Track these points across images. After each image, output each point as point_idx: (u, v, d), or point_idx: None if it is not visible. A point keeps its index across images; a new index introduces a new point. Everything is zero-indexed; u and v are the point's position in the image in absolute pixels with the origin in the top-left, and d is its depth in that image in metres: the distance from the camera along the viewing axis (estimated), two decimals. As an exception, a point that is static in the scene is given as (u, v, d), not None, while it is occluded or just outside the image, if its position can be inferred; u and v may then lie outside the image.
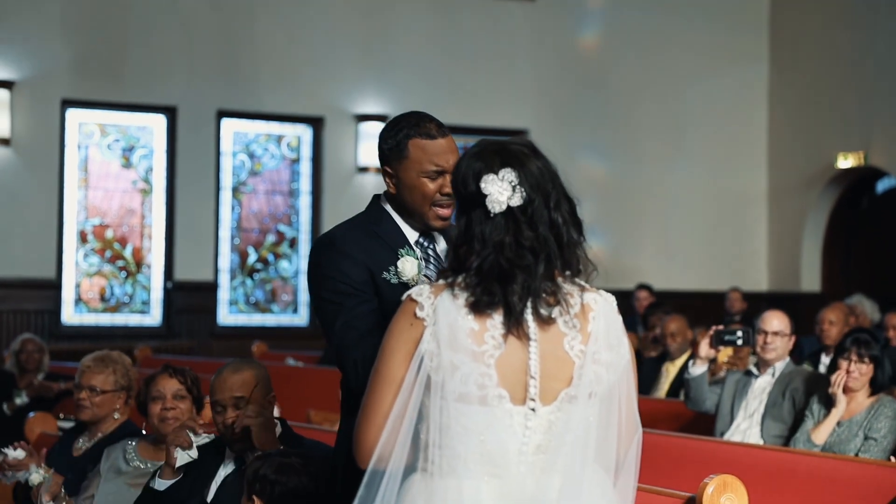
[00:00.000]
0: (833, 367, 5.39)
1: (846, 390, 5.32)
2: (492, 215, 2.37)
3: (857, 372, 5.30)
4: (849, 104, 12.75)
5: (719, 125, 13.67)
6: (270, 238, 12.28)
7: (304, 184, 12.38)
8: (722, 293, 12.26)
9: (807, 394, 5.63)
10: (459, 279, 2.38)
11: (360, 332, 2.95)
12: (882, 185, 13.48)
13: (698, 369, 5.99)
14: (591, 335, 2.39)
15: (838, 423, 5.33)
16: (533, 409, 2.36)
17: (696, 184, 13.58)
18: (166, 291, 11.86)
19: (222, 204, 12.05)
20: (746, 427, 5.76)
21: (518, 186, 2.38)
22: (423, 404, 2.35)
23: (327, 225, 12.12)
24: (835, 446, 5.25)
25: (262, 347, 10.42)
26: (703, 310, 11.55)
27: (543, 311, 2.35)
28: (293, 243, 12.36)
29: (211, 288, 11.93)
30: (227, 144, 12.12)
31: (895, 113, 12.25)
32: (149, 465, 4.44)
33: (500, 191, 2.37)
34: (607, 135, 13.16)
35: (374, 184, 12.29)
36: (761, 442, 5.60)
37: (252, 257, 12.20)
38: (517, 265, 2.35)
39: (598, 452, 2.42)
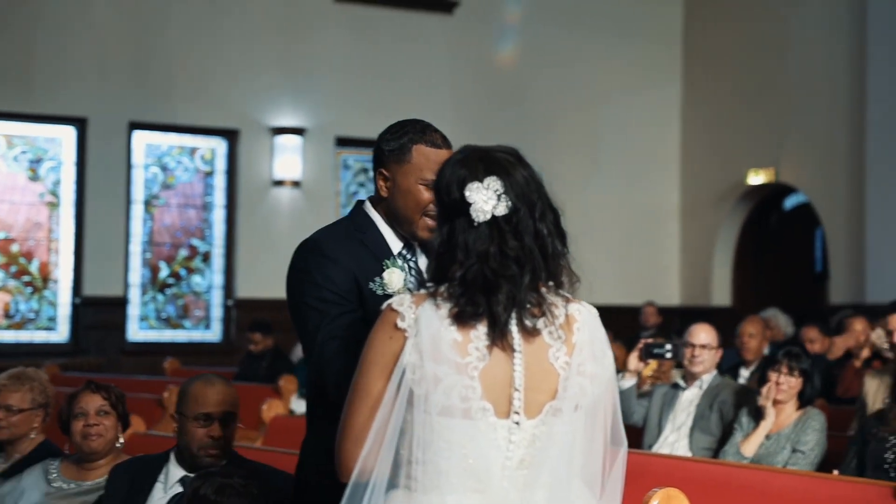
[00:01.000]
0: (763, 380, 5.43)
1: (775, 403, 5.36)
2: (476, 224, 2.32)
3: (787, 384, 5.34)
4: (760, 122, 12.97)
5: (634, 142, 13.81)
6: (183, 252, 12.06)
7: (219, 197, 12.19)
8: (636, 307, 12.36)
9: (734, 406, 5.67)
10: (442, 289, 2.31)
11: (343, 343, 2.87)
12: (790, 202, 13.75)
13: (627, 382, 6.00)
14: (575, 347, 2.34)
15: (767, 436, 5.36)
16: (517, 423, 2.30)
17: (610, 199, 13.68)
18: (74, 307, 11.56)
19: (133, 217, 11.80)
20: (675, 440, 5.78)
21: (503, 195, 2.32)
22: (404, 419, 2.28)
23: (242, 239, 11.95)
24: (763, 459, 5.28)
25: (174, 364, 10.22)
26: (618, 324, 11.62)
27: (528, 323, 2.30)
28: (206, 258, 12.14)
29: (121, 303, 11.66)
30: (138, 157, 11.88)
31: (804, 130, 12.50)
32: (72, 485, 4.29)
33: (485, 200, 2.31)
34: (524, 150, 12.96)
35: (290, 198, 12.16)
36: (690, 454, 5.62)
37: (164, 272, 11.97)
38: (502, 275, 2.29)
39: (583, 466, 2.37)
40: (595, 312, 2.41)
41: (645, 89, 13.88)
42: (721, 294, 13.60)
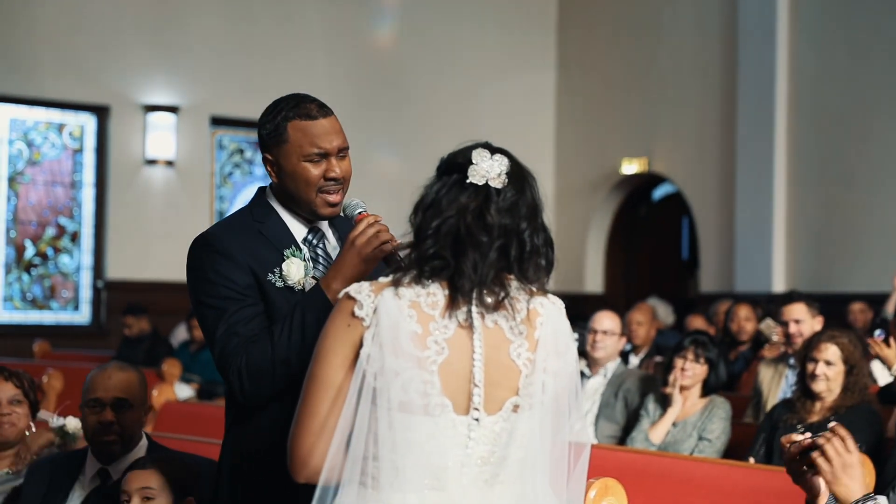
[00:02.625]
0: (669, 367, 5.51)
1: (681, 389, 5.45)
2: (467, 183, 2.28)
3: (692, 371, 5.43)
4: (633, 111, 13.19)
5: (508, 128, 13.85)
6: (50, 231, 11.62)
7: (88, 175, 11.77)
8: (510, 294, 12.42)
9: (639, 394, 5.74)
10: (405, 278, 2.24)
11: (243, 339, 2.77)
12: (659, 192, 14.04)
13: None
14: (538, 342, 2.29)
15: (674, 424, 5.44)
16: (476, 419, 2.24)
17: (486, 185, 13.70)
18: (-67, 287, 11.06)
19: (-3, 194, 11.33)
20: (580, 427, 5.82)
21: (506, 176, 2.30)
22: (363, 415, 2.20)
23: (112, 218, 11.60)
24: (670, 446, 5.36)
25: (44, 347, 9.88)
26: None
27: (489, 300, 2.24)
28: (75, 237, 11.73)
29: (-16, 283, 11.19)
30: (2, 131, 11.38)
31: (676, 120, 12.76)
32: None
33: (488, 168, 2.28)
34: (401, 131, 13.13)
35: (164, 177, 11.85)
36: (595, 442, 5.67)
37: (30, 251, 11.51)
38: (472, 237, 2.24)
39: (547, 463, 2.33)
40: (560, 305, 2.37)
41: (520, 76, 13.96)
42: (593, 281, 13.80)
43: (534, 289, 2.31)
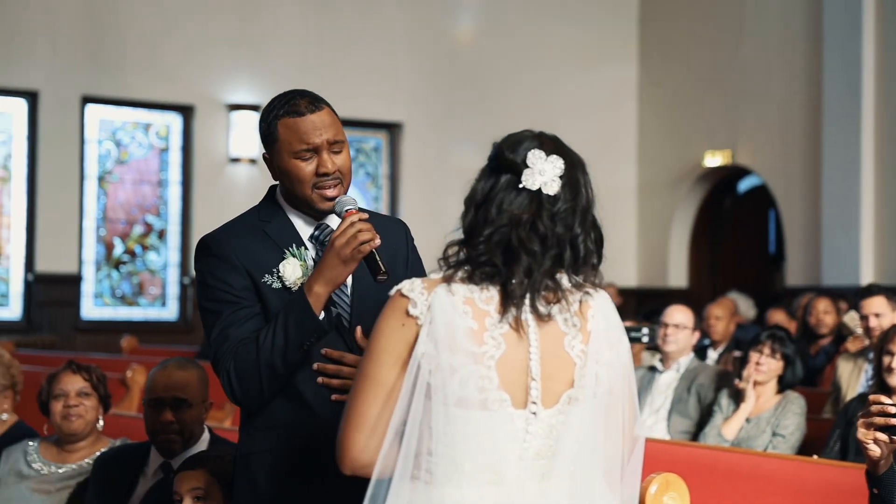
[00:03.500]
0: (744, 361, 5.44)
1: (755, 384, 5.37)
2: (520, 187, 2.25)
3: (767, 366, 5.35)
4: (716, 103, 13.02)
5: (590, 121, 13.80)
6: (138, 229, 11.87)
7: (174, 174, 12.00)
8: (593, 288, 12.35)
9: (712, 389, 5.67)
10: (458, 274, 2.24)
11: (232, 343, 2.76)
12: (744, 184, 13.84)
13: (600, 366, 5.98)
14: (591, 334, 2.28)
15: (747, 420, 5.37)
16: (534, 413, 2.23)
17: (567, 179, 13.65)
18: (27, 284, 11.34)
19: (87, 193, 11.58)
20: (652, 423, 5.78)
21: (560, 179, 2.27)
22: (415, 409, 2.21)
23: (198, 216, 11.80)
24: (743, 442, 5.30)
25: (132, 342, 10.08)
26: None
27: (542, 309, 2.23)
28: (162, 235, 11.96)
29: (75, 280, 11.46)
30: (92, 132, 11.65)
31: (761, 112, 12.57)
32: (52, 467, 4.20)
33: (542, 170, 2.26)
34: (481, 128, 13.10)
35: (247, 175, 12.02)
36: (668, 437, 5.62)
37: (118, 249, 11.77)
38: (525, 247, 2.22)
39: (601, 456, 2.32)
40: (607, 297, 2.36)
41: (602, 69, 13.87)
42: (677, 276, 13.66)
43: (581, 280, 2.30)
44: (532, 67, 13.53)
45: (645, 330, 5.84)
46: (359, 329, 2.84)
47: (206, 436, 3.79)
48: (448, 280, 2.24)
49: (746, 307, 9.93)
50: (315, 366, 2.79)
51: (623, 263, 13.95)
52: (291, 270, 2.82)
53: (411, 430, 2.19)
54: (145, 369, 7.59)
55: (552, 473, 2.26)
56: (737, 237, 13.78)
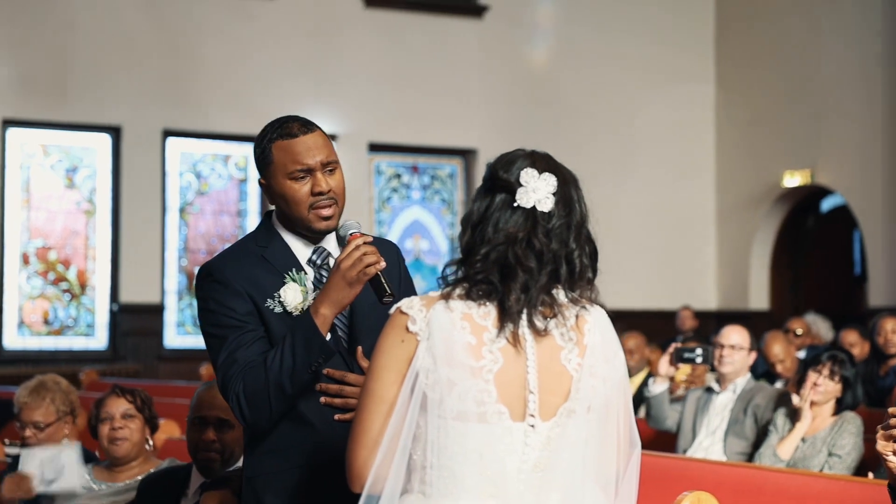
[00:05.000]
0: (802, 380, 5.36)
1: (811, 404, 5.30)
2: (514, 206, 2.30)
3: (824, 387, 5.28)
4: (795, 123, 12.87)
5: (667, 144, 13.74)
6: (218, 259, 12.10)
7: (252, 204, 12.24)
8: (672, 312, 12.28)
9: (769, 410, 5.60)
10: (456, 291, 2.29)
11: (241, 365, 2.79)
12: (827, 204, 13.62)
13: (659, 387, 5.96)
14: (587, 348, 2.32)
15: (803, 439, 5.29)
16: (532, 426, 2.27)
17: (644, 202, 13.61)
18: (112, 314, 11.65)
19: (168, 225, 11.88)
20: (709, 444, 5.73)
21: (553, 196, 2.31)
22: (416, 424, 2.25)
23: (276, 245, 11.98)
24: (799, 463, 5.22)
25: (211, 369, 10.25)
26: (654, 328, 11.56)
27: (539, 324, 2.27)
28: (241, 264, 12.18)
29: (157, 310, 11.73)
30: (173, 164, 11.95)
31: (841, 131, 12.38)
32: (103, 486, 4.32)
33: (536, 188, 2.30)
34: (556, 152, 12.72)
35: (323, 203, 12.18)
36: (724, 458, 5.57)
37: (199, 278, 12.01)
38: (521, 264, 2.27)
39: (597, 468, 2.35)
40: (604, 313, 2.39)
41: (678, 91, 13.80)
42: (759, 297, 13.48)
43: (577, 296, 2.34)
44: (607, 90, 13.52)
45: (699, 351, 5.80)
46: (359, 349, 2.88)
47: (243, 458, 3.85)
48: (446, 297, 2.29)
49: (825, 329, 9.76)
50: (318, 386, 2.84)
51: (703, 286, 13.82)
52: (293, 295, 2.86)
53: (406, 443, 2.24)
54: (217, 395, 7.75)
55: (550, 486, 2.29)
56: (820, 258, 13.55)
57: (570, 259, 2.31)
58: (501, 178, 2.32)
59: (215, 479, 3.48)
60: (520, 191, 2.30)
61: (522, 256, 2.27)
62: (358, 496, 2.29)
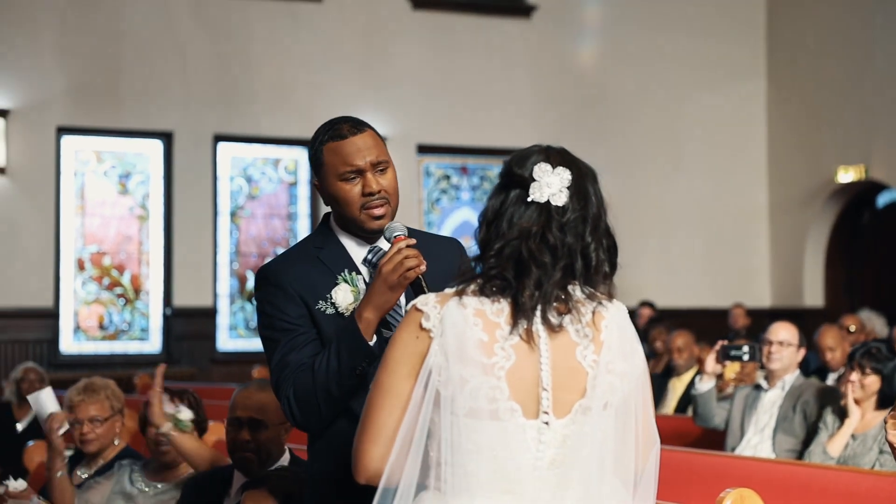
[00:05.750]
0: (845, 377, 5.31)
1: (855, 401, 5.24)
2: (528, 201, 2.29)
3: (859, 383, 5.22)
4: (848, 118, 12.71)
5: (718, 141, 13.63)
6: (269, 262, 12.19)
7: (303, 207, 12.32)
8: (724, 310, 12.18)
9: (818, 406, 5.54)
10: (469, 287, 2.29)
11: (292, 368, 2.82)
12: (883, 199, 13.43)
13: (706, 385, 5.91)
14: (603, 344, 2.29)
15: (853, 437, 5.23)
16: (546, 423, 2.26)
17: (696, 199, 13.52)
18: (165, 318, 11.77)
19: (220, 229, 11.98)
20: (757, 442, 5.67)
21: (567, 190, 2.30)
22: (431, 421, 2.25)
23: (326, 248, 12.05)
24: (849, 460, 5.16)
25: (262, 372, 10.32)
26: (706, 326, 11.46)
27: (553, 320, 2.26)
28: (292, 267, 12.25)
29: (210, 314, 11.84)
30: (224, 169, 12.06)
31: (894, 125, 12.20)
32: (158, 486, 4.38)
33: (549, 183, 2.29)
34: (606, 151, 13.09)
35: (373, 206, 12.22)
36: (773, 456, 5.51)
37: (251, 282, 12.10)
38: (535, 259, 2.26)
39: (616, 465, 2.33)
40: (624, 309, 2.37)
41: (729, 87, 13.69)
42: (813, 295, 13.33)
43: (595, 292, 2.33)
44: (658, 87, 13.45)
45: (745, 348, 5.74)
46: None
47: (286, 456, 3.87)
48: (460, 294, 2.28)
49: (880, 325, 9.63)
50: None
51: (756, 283, 13.69)
52: (343, 296, 2.88)
53: (420, 439, 2.24)
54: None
55: (568, 483, 2.27)
56: (876, 254, 13.37)
57: (586, 253, 2.30)
58: (516, 174, 2.32)
59: (255, 478, 3.51)
60: (533, 185, 2.29)
61: (536, 251, 2.26)
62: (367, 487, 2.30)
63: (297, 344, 2.84)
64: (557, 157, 2.34)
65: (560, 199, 2.29)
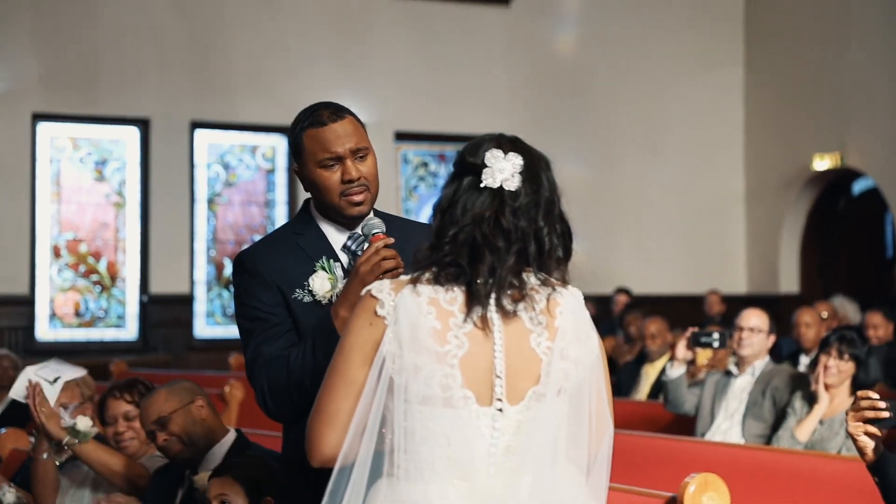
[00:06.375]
0: (816, 363, 5.36)
1: (826, 387, 5.29)
2: (481, 187, 2.31)
3: (836, 368, 5.26)
4: (824, 106, 12.78)
5: (696, 128, 13.68)
6: (246, 249, 12.19)
7: (280, 194, 12.31)
8: (700, 296, 12.24)
9: (787, 392, 5.59)
10: (424, 276, 2.30)
11: (265, 359, 2.83)
12: (858, 186, 13.52)
13: (676, 371, 5.95)
14: (558, 331, 2.31)
15: (820, 422, 5.28)
16: (500, 410, 2.28)
17: (673, 187, 13.57)
18: (142, 305, 11.75)
19: (197, 216, 11.96)
20: (727, 427, 5.72)
21: (519, 175, 2.32)
22: (385, 408, 2.27)
23: (304, 235, 12.05)
24: (816, 444, 5.21)
25: (240, 359, 10.32)
26: (682, 313, 11.52)
27: (508, 306, 2.28)
28: (269, 254, 12.25)
29: (187, 300, 11.83)
30: (201, 156, 12.03)
31: (870, 114, 12.28)
32: None
33: (501, 168, 2.31)
34: (584, 139, 13.13)
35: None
36: (742, 441, 5.56)
37: (228, 269, 12.09)
38: (489, 244, 2.28)
39: (569, 450, 2.35)
40: (579, 295, 2.39)
41: (706, 76, 13.74)
42: (788, 281, 13.41)
43: (553, 279, 2.35)
44: (636, 76, 13.48)
45: (715, 335, 5.78)
46: None
47: (229, 436, 3.90)
48: (415, 281, 2.30)
49: (853, 312, 9.71)
50: None
51: (732, 270, 13.76)
52: (320, 284, 2.88)
53: (373, 426, 2.25)
54: (243, 384, 7.80)
55: (522, 469, 2.30)
56: (851, 241, 13.46)
57: (539, 237, 2.32)
58: (468, 162, 2.34)
59: (220, 465, 3.54)
60: (486, 171, 2.31)
61: (490, 235, 2.28)
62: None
63: (271, 336, 2.85)
64: (509, 144, 2.36)
65: (512, 184, 2.31)
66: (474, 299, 2.27)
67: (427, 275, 2.30)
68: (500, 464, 2.28)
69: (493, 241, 2.28)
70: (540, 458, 2.30)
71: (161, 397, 3.91)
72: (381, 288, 2.30)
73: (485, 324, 2.27)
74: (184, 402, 3.86)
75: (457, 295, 2.28)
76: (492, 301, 2.27)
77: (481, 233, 2.28)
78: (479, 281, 2.27)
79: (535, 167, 2.34)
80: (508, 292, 2.28)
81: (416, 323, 2.25)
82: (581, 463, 2.38)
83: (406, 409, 2.25)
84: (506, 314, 2.28)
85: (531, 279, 2.32)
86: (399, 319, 2.26)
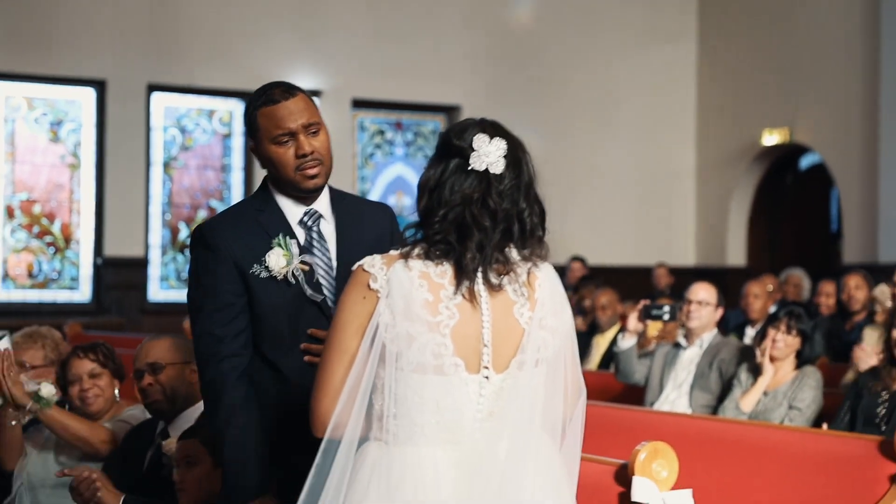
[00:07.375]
0: (762, 336, 5.53)
1: (772, 359, 5.47)
2: (469, 169, 2.45)
3: (783, 342, 5.44)
4: (773, 82, 12.98)
5: (648, 102, 13.84)
6: (202, 213, 12.22)
7: (237, 159, 12.33)
8: (650, 268, 12.45)
9: (734, 364, 5.78)
10: (414, 251, 2.44)
11: (212, 338, 2.92)
12: (806, 161, 13.78)
13: (627, 342, 6.12)
14: (538, 302, 2.48)
15: (764, 393, 5.47)
16: (486, 377, 2.44)
17: (625, 159, 13.74)
18: (96, 267, 11.75)
19: (153, 179, 11.96)
20: (675, 398, 5.90)
21: (504, 159, 2.47)
22: (377, 375, 2.41)
23: (259, 200, 12.08)
24: (760, 415, 5.40)
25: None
26: (632, 284, 11.73)
27: (494, 280, 2.43)
28: (225, 219, 12.27)
29: (141, 264, 11.84)
30: (157, 119, 12.01)
31: (819, 90, 12.50)
32: None
33: (488, 152, 2.46)
34: (539, 110, 13.24)
35: (307, 159, 12.26)
36: (690, 412, 5.74)
37: (183, 233, 12.13)
38: (477, 223, 2.42)
39: (545, 415, 2.50)
40: (553, 269, 2.56)
41: (659, 50, 13.89)
42: (736, 254, 13.67)
43: (526, 254, 2.50)
44: (588, 48, 13.60)
45: (666, 308, 5.96)
46: None
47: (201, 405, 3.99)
48: (405, 256, 2.44)
49: (808, 284, 9.97)
50: (302, 346, 2.98)
51: (681, 243, 13.98)
52: (276, 260, 2.97)
53: (365, 392, 2.40)
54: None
55: (501, 432, 2.45)
56: (798, 215, 13.73)
57: (522, 218, 2.48)
58: (455, 145, 2.48)
59: (187, 429, 3.64)
60: (473, 155, 2.46)
61: (478, 215, 2.43)
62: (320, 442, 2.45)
63: (224, 318, 2.92)
64: (492, 129, 2.51)
65: (498, 167, 2.46)
66: (463, 273, 2.42)
67: (417, 250, 2.45)
68: (483, 428, 2.44)
69: (482, 220, 2.43)
70: (518, 423, 2.46)
71: (165, 344, 3.99)
72: (372, 263, 2.44)
73: (472, 296, 2.42)
74: (183, 359, 3.94)
75: (446, 269, 2.43)
76: (479, 275, 2.43)
77: (470, 213, 2.43)
78: (467, 256, 2.41)
79: (517, 151, 2.50)
80: (494, 266, 2.44)
81: (408, 295, 2.40)
82: (556, 427, 2.53)
83: (398, 376, 2.40)
84: (492, 287, 2.44)
85: (513, 254, 2.47)
86: (392, 292, 2.40)
